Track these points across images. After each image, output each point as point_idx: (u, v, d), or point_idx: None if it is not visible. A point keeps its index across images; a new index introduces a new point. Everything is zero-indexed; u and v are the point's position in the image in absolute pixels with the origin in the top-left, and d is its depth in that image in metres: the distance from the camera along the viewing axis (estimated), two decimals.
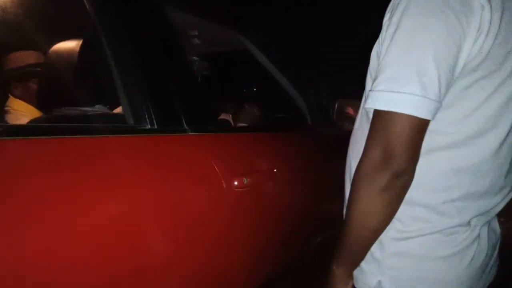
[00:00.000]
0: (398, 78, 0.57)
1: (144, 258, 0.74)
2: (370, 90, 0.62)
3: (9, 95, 1.65)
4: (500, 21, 0.57)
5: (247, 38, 1.55)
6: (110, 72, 0.85)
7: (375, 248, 0.70)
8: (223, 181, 0.94)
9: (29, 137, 0.64)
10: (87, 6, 0.86)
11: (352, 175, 0.75)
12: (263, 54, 1.57)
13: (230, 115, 1.63)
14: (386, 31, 0.62)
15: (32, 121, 1.06)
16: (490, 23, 0.56)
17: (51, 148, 0.66)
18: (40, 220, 0.60)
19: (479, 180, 0.65)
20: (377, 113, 0.60)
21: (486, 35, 0.57)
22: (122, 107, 0.88)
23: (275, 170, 1.17)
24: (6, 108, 1.61)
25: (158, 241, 0.78)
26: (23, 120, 1.43)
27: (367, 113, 0.73)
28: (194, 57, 1.83)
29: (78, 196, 0.65)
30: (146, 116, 0.85)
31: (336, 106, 1.68)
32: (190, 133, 0.93)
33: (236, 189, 0.97)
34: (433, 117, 0.58)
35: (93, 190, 0.68)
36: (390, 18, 0.61)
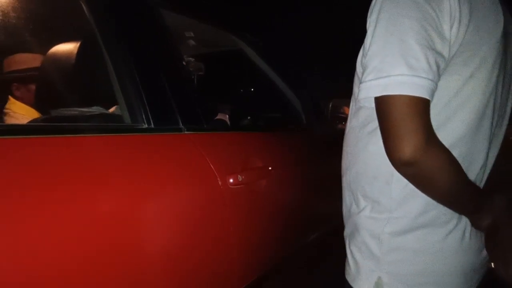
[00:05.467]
0: (384, 64, 0.60)
1: (140, 255, 0.76)
2: (360, 83, 0.64)
3: (9, 96, 1.67)
4: (470, 11, 0.60)
5: (241, 39, 1.57)
6: (107, 73, 0.88)
7: (373, 245, 0.72)
8: (218, 179, 0.96)
9: (28, 136, 0.66)
10: (85, 9, 0.89)
11: (350, 182, 0.77)
12: (258, 55, 1.60)
13: (227, 115, 1.65)
14: (369, 27, 0.65)
15: (30, 121, 1.08)
16: (460, 11, 0.59)
17: (48, 147, 0.68)
18: (39, 217, 0.62)
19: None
20: (376, 102, 0.62)
21: (459, 22, 0.60)
22: (120, 107, 0.91)
23: (270, 168, 1.19)
24: (5, 111, 1.63)
25: (155, 238, 0.80)
26: (23, 122, 1.45)
27: (358, 111, 0.76)
28: (190, 58, 1.85)
29: (75, 194, 0.67)
30: (143, 116, 0.87)
31: (330, 106, 1.71)
32: (186, 132, 0.95)
33: (232, 186, 0.99)
34: (430, 95, 0.59)
35: (90, 189, 0.69)
36: (369, 19, 0.65)
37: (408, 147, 0.58)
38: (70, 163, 0.69)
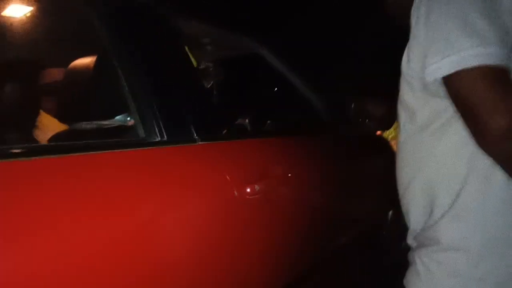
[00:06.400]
0: (451, 42, 0.56)
1: (157, 270, 0.75)
2: (427, 67, 0.59)
3: (40, 110, 1.74)
4: None
5: (259, 42, 1.55)
6: (120, 85, 0.88)
7: (457, 259, 0.64)
8: (234, 189, 0.94)
9: (41, 157, 0.67)
10: (98, 21, 0.89)
11: (418, 194, 0.70)
12: (277, 57, 1.57)
13: (247, 120, 1.63)
14: (416, 24, 0.62)
15: (52, 138, 1.11)
16: None
17: (62, 167, 0.68)
18: (55, 234, 0.62)
19: None
20: (450, 82, 0.57)
21: None
22: (134, 120, 0.91)
23: (290, 175, 1.16)
24: (37, 124, 1.69)
25: (171, 253, 0.79)
26: (51, 134, 1.51)
27: (413, 116, 0.69)
28: (209, 63, 1.85)
29: (88, 213, 0.66)
30: (156, 128, 0.86)
31: (353, 105, 1.64)
32: (200, 143, 0.94)
33: (249, 197, 0.97)
34: (505, 62, 0.54)
35: (102, 208, 0.69)
36: (417, 11, 0.61)
37: (505, 116, 0.52)
38: (78, 184, 0.68)
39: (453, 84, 0.57)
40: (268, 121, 1.65)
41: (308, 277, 1.19)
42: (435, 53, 0.57)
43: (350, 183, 1.49)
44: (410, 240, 0.77)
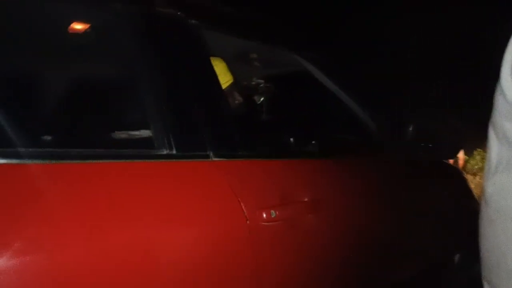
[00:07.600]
0: None
1: None
2: None
3: None
4: None
5: (305, 59, 1.45)
6: (134, 94, 0.86)
7: None
8: (247, 214, 0.84)
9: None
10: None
11: None
12: (324, 74, 1.45)
13: (291, 139, 1.53)
14: None
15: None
16: None
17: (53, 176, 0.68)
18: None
19: None
20: None
21: None
22: (145, 130, 0.88)
23: (322, 201, 1.02)
24: None
25: (173, 281, 0.73)
26: None
27: None
28: (259, 80, 1.81)
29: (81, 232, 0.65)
30: (165, 140, 0.82)
31: (411, 129, 1.43)
32: (213, 159, 0.87)
33: (264, 223, 0.87)
34: None
35: (101, 221, 0.67)
36: None
37: None
38: (76, 193, 0.67)
39: None
40: (313, 142, 1.53)
41: None
42: None
43: (401, 216, 1.29)
44: None
